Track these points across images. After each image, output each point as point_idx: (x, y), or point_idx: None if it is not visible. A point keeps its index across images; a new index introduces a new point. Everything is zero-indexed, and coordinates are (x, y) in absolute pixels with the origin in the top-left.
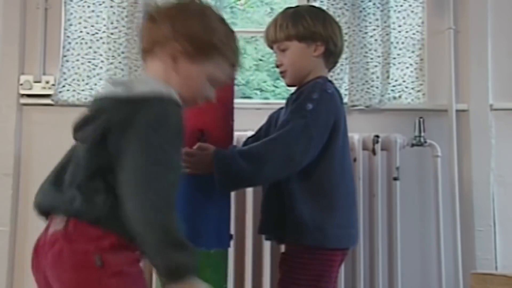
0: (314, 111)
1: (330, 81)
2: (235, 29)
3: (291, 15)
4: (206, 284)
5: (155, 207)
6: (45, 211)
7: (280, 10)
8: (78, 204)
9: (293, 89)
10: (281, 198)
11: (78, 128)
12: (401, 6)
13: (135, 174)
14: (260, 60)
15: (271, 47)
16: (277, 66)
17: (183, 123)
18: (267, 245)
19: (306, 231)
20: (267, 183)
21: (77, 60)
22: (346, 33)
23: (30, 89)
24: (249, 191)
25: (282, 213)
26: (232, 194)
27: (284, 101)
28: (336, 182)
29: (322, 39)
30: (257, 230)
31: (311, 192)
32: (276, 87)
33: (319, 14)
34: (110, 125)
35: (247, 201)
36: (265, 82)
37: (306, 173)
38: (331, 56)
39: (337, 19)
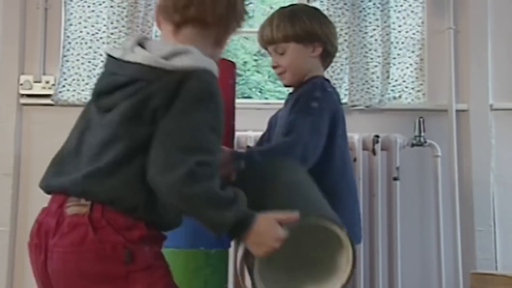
0: (318, 109)
1: (328, 80)
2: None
3: (287, 15)
4: (273, 213)
5: (200, 175)
6: (58, 192)
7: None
8: (111, 189)
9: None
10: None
11: (105, 93)
12: (401, 6)
13: (179, 144)
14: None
15: (266, 48)
16: (274, 67)
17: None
18: None
19: None
20: None
21: (77, 60)
22: (346, 33)
23: (30, 89)
24: None
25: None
26: None
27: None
28: (337, 180)
29: (320, 40)
30: None
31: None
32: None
33: (315, 14)
34: (151, 96)
35: None
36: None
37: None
38: (328, 56)
39: (337, 19)
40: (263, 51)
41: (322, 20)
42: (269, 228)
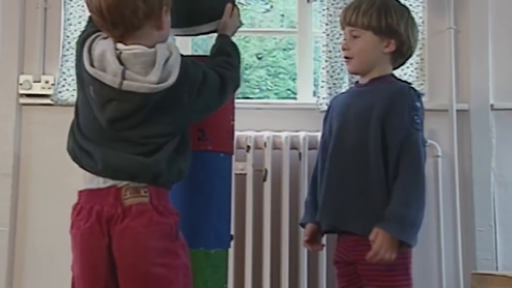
0: (421, 123)
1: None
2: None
3: (378, 5)
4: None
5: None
6: (111, 174)
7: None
8: (165, 172)
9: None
10: (359, 194)
11: (117, 121)
12: None
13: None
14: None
15: (343, 28)
16: (343, 49)
17: None
18: (267, 245)
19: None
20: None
21: None
22: None
23: (29, 89)
24: (249, 191)
25: (359, 209)
26: (232, 194)
27: (284, 101)
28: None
29: (399, 38)
30: (308, 219)
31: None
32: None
33: (404, 12)
34: (164, 106)
35: (247, 201)
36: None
37: (391, 173)
38: (400, 57)
39: (337, 19)
40: (262, 52)
41: (409, 20)
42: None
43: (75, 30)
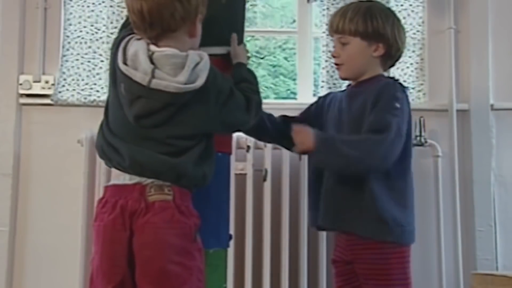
0: (400, 110)
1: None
2: None
3: (363, 11)
4: None
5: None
6: (139, 171)
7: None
8: (189, 173)
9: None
10: (356, 194)
11: (143, 117)
12: (402, 5)
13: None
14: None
15: (332, 35)
16: (333, 56)
17: None
18: (267, 245)
19: (388, 227)
20: (357, 173)
21: (77, 60)
22: None
23: (29, 89)
24: (249, 191)
25: (356, 208)
26: (232, 194)
27: (284, 101)
28: (409, 181)
29: (386, 42)
30: (310, 222)
31: (390, 191)
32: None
33: (390, 15)
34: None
35: (247, 201)
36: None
37: (386, 172)
38: (389, 59)
39: None
40: (261, 52)
41: (395, 23)
42: None
43: (75, 30)
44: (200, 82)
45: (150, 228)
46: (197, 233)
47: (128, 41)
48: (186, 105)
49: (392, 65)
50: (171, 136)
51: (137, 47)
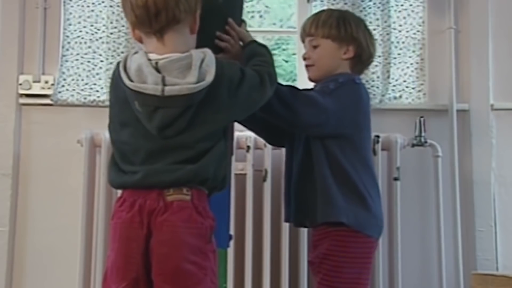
0: (335, 90)
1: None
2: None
3: (336, 16)
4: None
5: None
6: (161, 185)
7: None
8: (211, 177)
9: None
10: (313, 184)
11: (166, 127)
12: (402, 5)
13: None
14: None
15: (303, 40)
16: (304, 59)
17: None
18: (267, 245)
19: (338, 208)
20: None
21: (77, 60)
22: None
23: (29, 89)
24: (249, 191)
25: (315, 198)
26: (232, 194)
27: None
28: (362, 172)
29: (358, 45)
30: (285, 218)
31: (342, 181)
32: None
33: (361, 23)
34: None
35: (247, 201)
36: None
37: (335, 161)
38: (359, 63)
39: None
40: None
41: (366, 31)
42: None
43: (75, 30)
44: (210, 77)
45: (168, 227)
46: (212, 235)
47: (126, 60)
48: (203, 103)
49: (361, 72)
50: (195, 139)
51: (138, 61)
